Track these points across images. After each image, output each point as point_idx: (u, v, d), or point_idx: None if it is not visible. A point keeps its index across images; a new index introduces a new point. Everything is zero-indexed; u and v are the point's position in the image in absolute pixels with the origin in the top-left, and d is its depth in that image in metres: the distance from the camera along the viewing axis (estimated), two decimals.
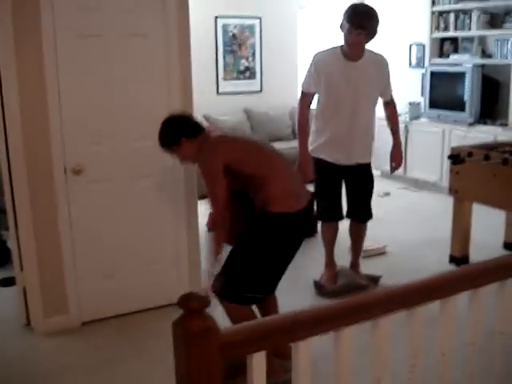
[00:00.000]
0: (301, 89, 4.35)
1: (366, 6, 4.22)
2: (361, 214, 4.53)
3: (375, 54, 4.28)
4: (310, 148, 4.37)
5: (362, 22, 3.99)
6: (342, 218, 4.53)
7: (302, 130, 4.34)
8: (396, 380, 2.44)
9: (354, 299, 1.71)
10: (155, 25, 3.87)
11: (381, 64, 4.28)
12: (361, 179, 4.48)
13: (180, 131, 3.23)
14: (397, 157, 4.57)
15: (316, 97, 4.32)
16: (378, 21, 4.06)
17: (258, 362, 1.53)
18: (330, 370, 1.78)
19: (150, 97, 3.94)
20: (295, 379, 1.63)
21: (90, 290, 4.00)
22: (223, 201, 3.10)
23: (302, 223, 3.22)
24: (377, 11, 4.09)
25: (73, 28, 3.65)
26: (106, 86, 3.81)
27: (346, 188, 4.52)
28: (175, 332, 1.44)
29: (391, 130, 4.60)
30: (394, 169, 4.60)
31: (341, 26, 4.11)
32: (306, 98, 4.30)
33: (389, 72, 4.35)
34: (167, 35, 3.90)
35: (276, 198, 3.10)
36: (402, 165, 7.68)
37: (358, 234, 4.63)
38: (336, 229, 4.55)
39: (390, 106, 4.53)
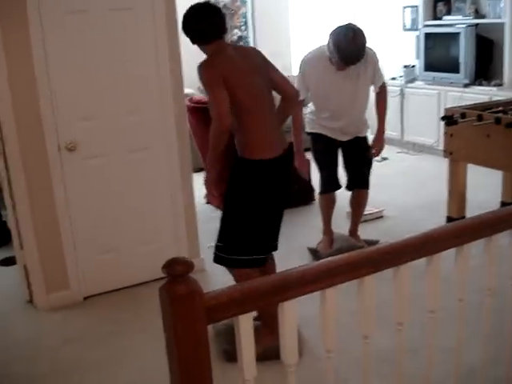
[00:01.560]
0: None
1: (356, 41, 3.97)
2: (361, 180, 4.57)
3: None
4: (308, 127, 4.44)
5: (352, 62, 4.03)
6: (339, 187, 4.55)
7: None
8: (384, 339, 2.49)
9: (338, 259, 1.73)
10: None
11: (366, 61, 4.19)
12: (358, 149, 4.53)
13: (211, 32, 3.10)
14: (378, 142, 4.58)
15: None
16: (363, 55, 4.04)
17: (245, 325, 1.57)
18: (318, 333, 1.82)
19: (139, 70, 3.94)
20: (283, 340, 1.67)
21: (91, 265, 4.06)
22: (226, 110, 2.96)
23: (277, 170, 3.17)
24: (365, 41, 4.04)
25: (59, 4, 3.64)
26: (94, 61, 3.81)
27: (344, 159, 4.55)
28: (161, 297, 1.47)
29: (378, 115, 4.61)
30: (375, 154, 4.59)
31: (328, 47, 4.05)
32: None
33: (376, 62, 4.34)
34: (154, 7, 3.89)
35: (253, 144, 3.10)
36: (399, 128, 7.78)
37: (359, 204, 4.67)
38: (334, 198, 4.59)
39: (380, 94, 4.54)
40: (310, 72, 4.21)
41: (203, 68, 3.02)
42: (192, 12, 3.13)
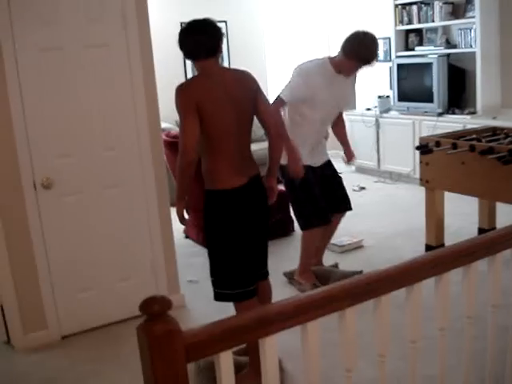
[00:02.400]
0: (280, 95, 4.14)
1: (372, 39, 4.18)
2: (345, 201, 4.62)
3: None
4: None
5: (370, 62, 4.14)
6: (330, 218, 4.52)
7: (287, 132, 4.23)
8: (368, 369, 2.48)
9: (318, 292, 1.73)
10: (116, 34, 3.87)
11: (354, 76, 4.41)
12: (333, 173, 4.58)
13: (208, 48, 3.06)
14: (351, 152, 4.73)
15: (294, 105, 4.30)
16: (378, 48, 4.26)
17: (225, 362, 1.55)
18: (299, 367, 1.80)
19: (115, 107, 3.94)
20: (264, 375, 1.64)
21: (68, 304, 3.99)
22: (192, 136, 2.93)
23: (244, 198, 3.12)
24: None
25: (33, 42, 3.64)
26: (70, 98, 3.80)
27: (322, 187, 4.51)
28: (139, 337, 1.45)
29: (342, 141, 4.72)
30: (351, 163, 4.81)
31: (344, 50, 4.12)
32: (281, 105, 4.15)
33: (355, 83, 4.51)
34: (129, 44, 3.90)
35: (216, 174, 3.08)
36: (376, 158, 7.85)
37: (335, 228, 4.69)
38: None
39: (341, 116, 4.63)
40: (315, 80, 4.12)
41: (179, 91, 3.00)
42: (186, 27, 3.10)
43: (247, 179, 3.13)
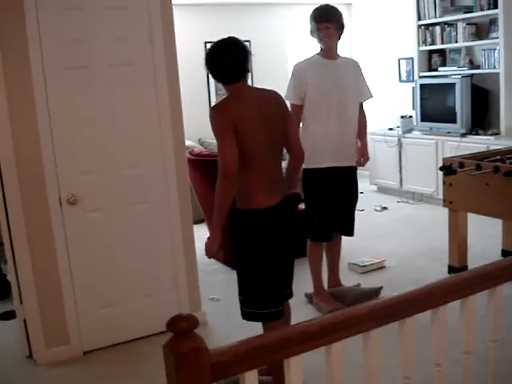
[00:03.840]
0: (290, 103, 4.21)
1: (328, 4, 4.42)
2: (350, 226, 4.57)
3: (347, 58, 4.62)
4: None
5: (327, 17, 4.28)
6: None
7: None
8: None
9: (344, 313, 1.73)
10: (142, 54, 3.93)
11: (355, 66, 4.50)
12: (351, 192, 4.53)
13: (237, 74, 3.06)
14: (364, 152, 4.57)
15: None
16: (340, 14, 4.37)
17: (250, 381, 1.55)
18: None
19: (140, 125, 3.98)
20: None
21: (91, 320, 4.01)
22: (232, 158, 2.90)
23: (276, 218, 3.10)
24: (337, 8, 4.39)
25: (61, 60, 3.71)
26: (96, 116, 3.86)
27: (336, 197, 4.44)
28: (166, 355, 1.46)
29: (359, 134, 4.55)
30: (361, 163, 4.58)
31: (311, 32, 4.39)
32: (299, 111, 4.25)
33: (361, 72, 4.52)
34: (155, 63, 3.96)
35: (250, 193, 3.04)
36: (398, 178, 7.82)
37: (339, 247, 4.68)
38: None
39: (361, 110, 4.56)
40: (305, 73, 4.29)
41: (215, 112, 2.98)
42: (212, 50, 3.09)
43: (280, 198, 3.13)
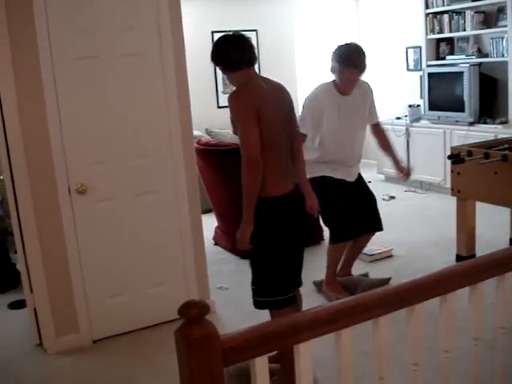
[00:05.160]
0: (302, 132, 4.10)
1: (356, 45, 4.35)
2: (376, 222, 4.61)
3: (363, 82, 4.42)
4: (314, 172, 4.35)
5: (356, 63, 4.16)
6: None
7: None
8: (397, 379, 2.47)
9: (352, 300, 1.74)
10: (150, 44, 3.93)
11: (366, 91, 4.41)
12: (364, 187, 4.60)
13: (243, 59, 3.07)
14: (403, 168, 4.71)
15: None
16: (366, 57, 4.25)
17: (261, 367, 1.56)
18: (332, 374, 1.81)
19: (148, 115, 3.99)
20: (298, 381, 1.66)
21: (100, 308, 4.04)
22: (256, 145, 2.88)
23: (291, 205, 3.13)
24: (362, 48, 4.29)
25: (70, 50, 3.71)
26: (104, 105, 3.87)
27: (353, 202, 4.49)
28: (177, 340, 1.47)
29: (386, 151, 4.69)
30: (405, 178, 4.78)
31: (331, 69, 4.26)
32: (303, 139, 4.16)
33: (373, 97, 4.48)
34: (163, 53, 3.96)
35: (267, 181, 3.00)
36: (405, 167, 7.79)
37: (364, 244, 4.72)
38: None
39: (378, 128, 4.61)
40: (321, 104, 4.23)
41: (237, 99, 2.97)
42: (223, 40, 3.13)
43: (293, 186, 3.15)
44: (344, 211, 4.39)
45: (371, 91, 4.47)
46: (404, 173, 4.66)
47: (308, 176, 3.69)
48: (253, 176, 2.92)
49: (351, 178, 4.46)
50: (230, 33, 3.21)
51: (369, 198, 4.59)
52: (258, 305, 3.22)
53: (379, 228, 4.64)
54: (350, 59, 4.14)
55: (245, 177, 2.93)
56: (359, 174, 4.57)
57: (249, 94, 3.00)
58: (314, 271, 4.70)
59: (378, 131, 4.63)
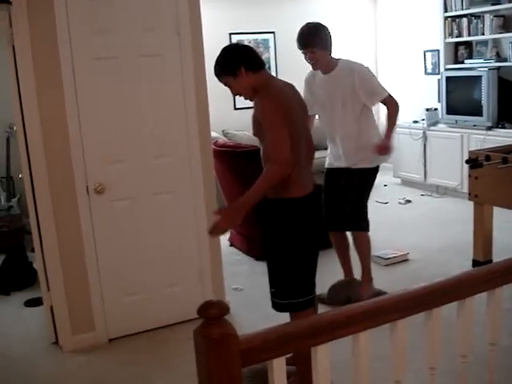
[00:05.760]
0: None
1: (308, 26, 4.34)
2: (346, 220, 4.48)
3: (351, 62, 4.37)
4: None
5: (306, 43, 4.25)
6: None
7: None
8: (417, 382, 2.46)
9: (370, 303, 1.74)
10: (170, 45, 3.96)
11: (354, 71, 4.28)
12: (346, 185, 4.44)
13: (240, 60, 3.03)
14: (384, 142, 4.36)
15: None
16: (323, 32, 4.27)
17: (278, 368, 1.57)
18: (349, 377, 1.81)
19: (167, 115, 4.02)
20: (315, 383, 1.66)
21: (116, 307, 4.07)
22: (288, 146, 2.86)
23: (312, 207, 3.14)
24: (319, 26, 4.32)
25: (89, 51, 3.75)
26: (123, 105, 3.89)
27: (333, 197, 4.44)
28: (196, 340, 1.48)
29: (387, 122, 4.50)
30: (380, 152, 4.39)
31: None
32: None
33: (367, 78, 4.31)
34: (182, 54, 3.99)
35: (290, 182, 2.98)
36: (422, 171, 7.76)
37: (357, 244, 4.59)
38: (339, 236, 4.57)
39: (387, 105, 4.46)
40: (308, 86, 4.47)
41: (266, 100, 2.94)
42: (233, 47, 3.17)
43: (313, 187, 3.15)
44: (327, 204, 4.31)
45: (360, 71, 4.31)
46: (381, 148, 4.34)
47: None
48: (280, 176, 2.88)
49: (341, 163, 4.38)
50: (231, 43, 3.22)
51: (346, 192, 4.43)
52: (279, 307, 3.18)
53: (348, 227, 4.52)
54: (300, 40, 4.31)
55: (270, 173, 2.88)
56: (357, 173, 4.40)
57: (276, 94, 2.98)
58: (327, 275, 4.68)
59: (387, 104, 4.44)
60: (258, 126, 3.00)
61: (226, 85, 3.12)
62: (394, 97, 4.42)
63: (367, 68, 4.38)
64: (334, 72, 4.29)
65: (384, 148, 4.31)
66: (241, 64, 3.02)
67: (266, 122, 2.92)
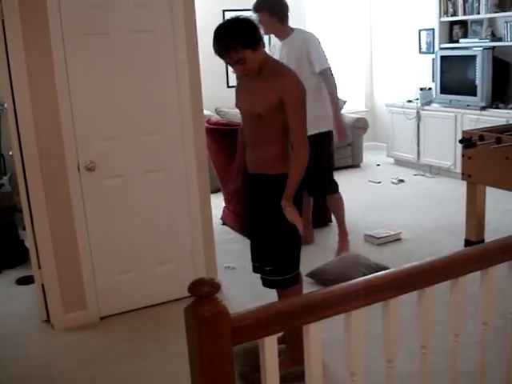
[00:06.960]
0: None
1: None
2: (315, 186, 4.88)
3: (304, 32, 4.95)
4: None
5: (255, 7, 4.65)
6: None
7: None
8: (404, 363, 2.47)
9: (363, 281, 1.72)
10: (162, 21, 3.90)
11: (304, 39, 4.73)
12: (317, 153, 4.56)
13: (259, 32, 2.95)
14: (336, 126, 4.82)
15: None
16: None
17: (270, 346, 1.56)
18: (341, 355, 1.80)
19: (159, 92, 3.97)
20: (307, 362, 1.65)
21: (108, 285, 4.05)
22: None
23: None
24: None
25: (80, 26, 3.69)
26: (115, 82, 3.85)
27: None
28: (187, 318, 1.47)
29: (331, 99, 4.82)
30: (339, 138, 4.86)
31: None
32: None
33: (314, 46, 4.71)
34: (174, 31, 3.93)
35: (286, 157, 3.03)
36: (416, 151, 7.76)
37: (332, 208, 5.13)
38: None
39: (323, 76, 4.72)
40: (274, 47, 4.93)
41: (300, 83, 2.95)
42: (247, 20, 2.94)
43: None
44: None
45: (311, 39, 4.74)
46: (338, 137, 4.81)
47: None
48: (307, 159, 2.96)
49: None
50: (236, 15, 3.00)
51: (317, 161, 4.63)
52: (272, 284, 3.17)
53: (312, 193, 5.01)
54: (253, 5, 4.66)
55: (304, 160, 2.94)
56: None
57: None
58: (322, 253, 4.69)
59: (327, 77, 4.73)
60: (270, 104, 2.92)
61: (236, 62, 2.89)
62: (333, 73, 4.78)
63: (318, 39, 4.78)
64: (288, 39, 4.72)
65: (340, 134, 4.78)
66: (260, 36, 2.94)
67: (298, 105, 2.92)
